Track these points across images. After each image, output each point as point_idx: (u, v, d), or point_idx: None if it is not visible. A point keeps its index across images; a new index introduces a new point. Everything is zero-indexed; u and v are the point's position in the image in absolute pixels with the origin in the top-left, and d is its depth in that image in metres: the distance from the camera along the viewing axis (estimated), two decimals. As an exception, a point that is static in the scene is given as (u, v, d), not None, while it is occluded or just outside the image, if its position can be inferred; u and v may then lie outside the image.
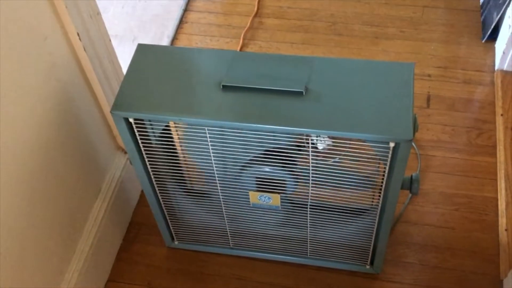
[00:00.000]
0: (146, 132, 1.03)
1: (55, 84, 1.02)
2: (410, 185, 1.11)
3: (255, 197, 1.11)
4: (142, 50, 1.05)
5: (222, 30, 1.82)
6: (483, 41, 1.69)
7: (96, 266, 1.24)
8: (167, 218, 1.28)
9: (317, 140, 1.00)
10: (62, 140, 1.07)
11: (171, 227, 1.31)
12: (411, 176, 1.11)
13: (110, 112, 0.97)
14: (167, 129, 1.07)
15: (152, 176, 1.14)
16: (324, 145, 1.08)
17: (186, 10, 1.89)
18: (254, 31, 1.81)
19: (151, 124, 1.04)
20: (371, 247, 1.22)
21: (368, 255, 1.24)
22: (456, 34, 1.73)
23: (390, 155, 0.94)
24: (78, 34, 1.04)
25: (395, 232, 1.34)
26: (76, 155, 1.13)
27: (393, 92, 0.95)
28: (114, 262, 1.33)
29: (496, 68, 1.61)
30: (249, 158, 1.04)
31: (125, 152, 1.34)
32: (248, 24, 1.81)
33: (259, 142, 0.98)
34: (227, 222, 1.24)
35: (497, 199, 1.37)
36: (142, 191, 1.44)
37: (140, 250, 1.35)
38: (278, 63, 1.01)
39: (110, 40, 1.14)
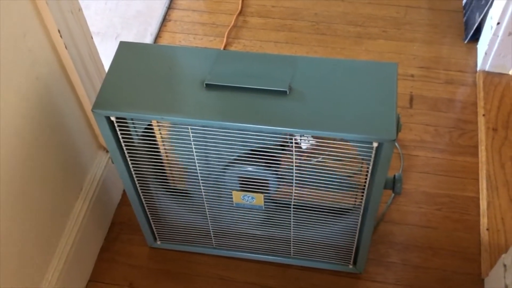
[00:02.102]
0: (128, 130, 1.02)
1: (36, 82, 1.01)
2: (393, 185, 1.11)
3: (238, 196, 1.11)
4: (124, 48, 1.04)
5: (206, 28, 1.81)
6: (466, 42, 1.70)
7: (77, 266, 1.23)
8: (149, 217, 1.26)
9: (300, 139, 1.00)
10: (42, 139, 1.06)
11: (153, 227, 1.30)
12: (394, 176, 1.11)
13: (92, 110, 0.95)
14: (149, 128, 1.06)
15: (134, 175, 1.13)
16: (308, 144, 1.08)
17: (169, 8, 1.87)
18: (238, 29, 1.80)
19: (133, 123, 1.03)
20: (354, 247, 1.22)
21: (351, 255, 1.24)
22: (439, 35, 1.74)
23: (373, 155, 0.94)
24: (59, 31, 1.02)
25: (378, 232, 1.34)
26: (57, 154, 1.12)
27: (377, 92, 0.95)
28: (95, 262, 1.32)
29: (478, 68, 1.62)
30: (232, 157, 1.04)
31: (107, 151, 1.32)
32: (232, 22, 1.80)
33: (242, 142, 0.98)
34: (210, 221, 1.23)
35: (479, 199, 1.38)
36: (124, 190, 1.43)
37: (122, 250, 1.34)
38: (261, 62, 1.01)
39: (92, 38, 1.12)
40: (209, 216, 1.21)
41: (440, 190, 1.41)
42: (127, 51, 1.03)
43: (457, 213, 1.36)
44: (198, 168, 1.06)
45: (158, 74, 1.00)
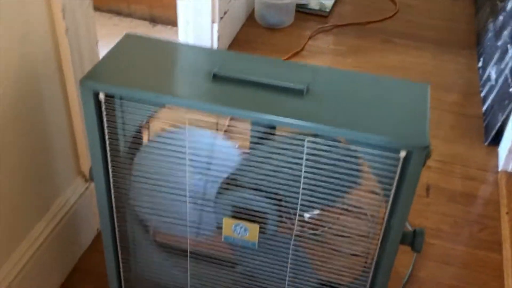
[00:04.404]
0: (115, 126, 0.89)
1: (23, 57, 0.90)
2: (413, 239, 0.94)
3: (229, 226, 0.93)
4: (129, 38, 0.94)
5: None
6: (486, 144, 1.61)
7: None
8: (120, 261, 1.07)
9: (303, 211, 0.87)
10: (17, 129, 0.92)
11: (121, 274, 1.09)
12: (415, 229, 0.94)
13: (80, 81, 0.83)
14: (138, 135, 0.93)
15: (113, 198, 0.97)
16: (312, 214, 0.93)
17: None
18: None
19: (123, 123, 0.89)
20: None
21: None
22: (458, 136, 1.65)
23: (398, 171, 0.79)
24: (62, 11, 0.93)
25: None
26: (30, 158, 0.97)
27: (407, 104, 0.83)
28: (43, 308, 1.09)
29: (500, 168, 1.51)
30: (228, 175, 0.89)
31: (86, 180, 1.16)
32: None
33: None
34: (190, 272, 1.03)
35: (504, 298, 1.19)
36: (96, 235, 1.24)
37: (79, 300, 1.12)
38: (278, 65, 0.90)
39: (95, 34, 1.04)
40: (190, 260, 1.01)
41: (459, 283, 1.21)
42: (131, 40, 0.93)
43: (479, 309, 1.16)
44: (188, 181, 0.90)
45: (161, 62, 0.89)
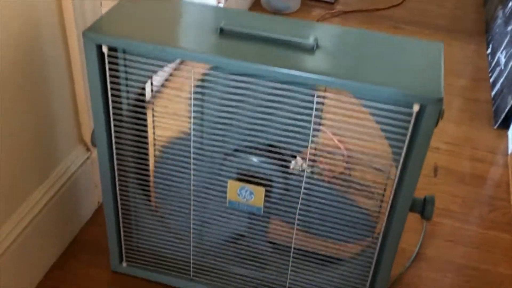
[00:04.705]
0: (119, 83, 0.86)
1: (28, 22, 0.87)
2: (423, 207, 0.91)
3: (234, 190, 0.90)
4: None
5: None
6: (495, 127, 1.58)
7: (14, 273, 0.97)
8: (121, 228, 1.04)
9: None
10: (17, 96, 0.89)
11: (122, 243, 1.06)
12: (425, 197, 0.91)
13: (82, 33, 0.80)
14: (142, 96, 0.90)
15: (116, 163, 0.94)
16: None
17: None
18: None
19: (126, 79, 0.87)
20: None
21: (360, 305, 0.99)
22: (468, 119, 1.62)
23: (411, 127, 0.76)
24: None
25: (393, 294, 1.10)
26: (30, 120, 0.94)
27: (419, 60, 0.80)
28: (42, 278, 1.06)
29: (509, 151, 1.48)
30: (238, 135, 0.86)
31: (87, 149, 1.14)
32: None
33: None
34: (193, 236, 1.00)
35: (515, 277, 1.15)
36: (96, 209, 1.21)
37: (78, 271, 1.09)
38: (287, 22, 0.88)
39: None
40: (193, 225, 0.99)
41: (468, 262, 1.18)
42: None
43: None
44: (192, 137, 0.87)
45: (166, 17, 0.87)
